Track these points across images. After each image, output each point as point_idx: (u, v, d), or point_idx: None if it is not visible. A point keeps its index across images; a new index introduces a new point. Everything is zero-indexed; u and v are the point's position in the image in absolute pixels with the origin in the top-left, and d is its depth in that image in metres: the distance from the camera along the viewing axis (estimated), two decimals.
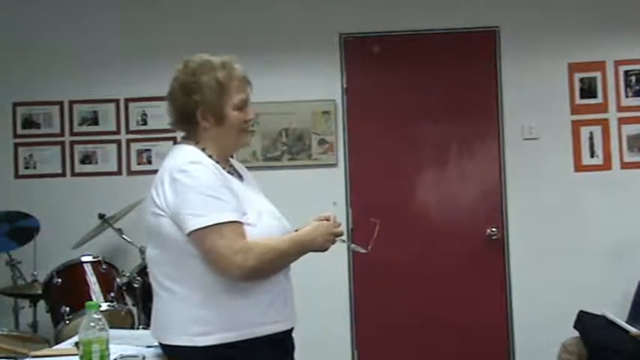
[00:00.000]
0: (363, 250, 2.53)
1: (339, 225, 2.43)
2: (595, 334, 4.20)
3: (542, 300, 4.88)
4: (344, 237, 2.45)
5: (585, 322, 4.29)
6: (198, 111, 2.34)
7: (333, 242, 2.41)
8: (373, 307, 5.00)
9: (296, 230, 2.42)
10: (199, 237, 2.19)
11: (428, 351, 4.97)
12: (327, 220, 2.41)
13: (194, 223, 2.18)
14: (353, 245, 2.55)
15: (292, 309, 2.41)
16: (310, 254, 2.38)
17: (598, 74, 5.01)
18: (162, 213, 2.25)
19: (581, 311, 4.35)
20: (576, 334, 4.30)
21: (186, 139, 2.41)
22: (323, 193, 4.88)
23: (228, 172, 2.39)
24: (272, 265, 2.28)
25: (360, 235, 4.77)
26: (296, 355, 2.48)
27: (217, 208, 2.20)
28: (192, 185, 2.21)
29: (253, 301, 2.26)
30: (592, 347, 4.17)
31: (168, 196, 2.23)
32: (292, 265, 2.42)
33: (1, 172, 5.14)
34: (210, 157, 2.34)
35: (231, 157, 2.56)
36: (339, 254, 4.88)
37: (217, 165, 2.33)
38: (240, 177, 2.47)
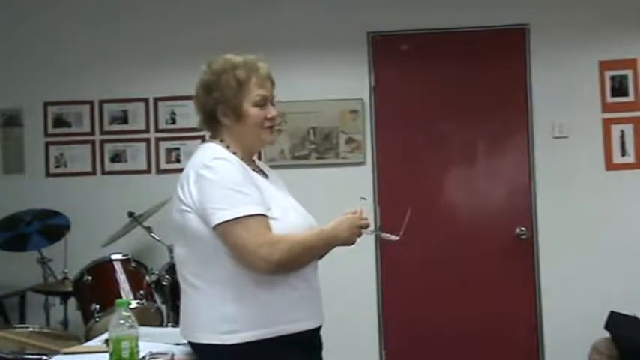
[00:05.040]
0: (395, 237, 2.47)
1: (366, 218, 2.41)
2: (626, 335, 4.15)
3: (572, 300, 4.83)
4: (372, 228, 2.43)
5: (616, 322, 4.24)
6: (219, 108, 2.37)
7: (359, 235, 2.40)
8: (401, 306, 4.98)
9: None
10: (224, 231, 2.20)
11: (456, 349, 4.94)
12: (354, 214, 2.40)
13: (219, 217, 2.20)
14: (383, 234, 2.52)
15: (320, 307, 2.42)
16: (339, 254, 2.38)
17: (629, 72, 4.94)
18: (188, 209, 2.26)
19: (612, 311, 4.30)
20: (607, 334, 4.25)
21: (212, 138, 2.44)
22: (351, 191, 4.85)
23: (253, 170, 2.40)
24: (298, 258, 2.28)
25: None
26: (324, 354, 2.48)
27: (242, 202, 2.21)
28: (216, 180, 2.23)
29: (282, 298, 2.27)
30: (623, 348, 4.12)
31: (193, 192, 2.25)
32: (320, 266, 2.43)
33: (33, 171, 5.21)
34: (234, 154, 2.35)
35: (259, 158, 2.56)
36: (366, 252, 4.87)
37: (242, 162, 2.34)
38: (265, 176, 2.48)
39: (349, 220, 2.37)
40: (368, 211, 2.46)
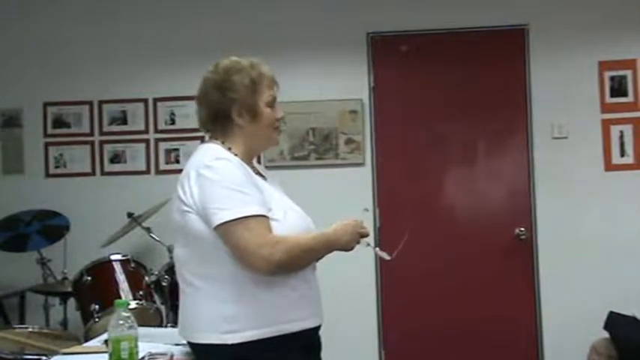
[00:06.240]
0: (387, 257, 2.50)
1: (366, 227, 2.43)
2: (625, 335, 4.15)
3: (571, 300, 4.84)
4: (369, 240, 2.44)
5: (615, 322, 4.24)
6: (234, 108, 2.36)
7: (358, 242, 2.40)
8: (400, 307, 4.98)
9: None
10: (226, 230, 2.20)
11: (456, 351, 4.94)
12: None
13: (220, 217, 2.19)
14: (377, 250, 2.53)
15: (319, 307, 2.42)
16: (337, 256, 2.38)
17: (629, 72, 4.94)
18: (189, 209, 2.26)
19: (612, 312, 4.30)
20: (606, 334, 4.25)
21: (214, 139, 2.43)
22: (350, 192, 4.88)
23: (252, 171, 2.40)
24: (298, 260, 2.29)
25: (387, 234, 4.77)
26: (323, 354, 2.47)
27: (243, 202, 2.21)
28: (217, 180, 2.23)
29: (282, 297, 2.27)
30: (622, 348, 4.12)
31: (194, 192, 2.25)
32: (319, 267, 2.43)
33: (33, 171, 5.21)
34: (235, 155, 2.35)
35: (258, 160, 2.57)
36: (365, 255, 4.86)
37: (243, 162, 2.34)
38: (263, 178, 2.48)
39: (350, 225, 2.38)
40: (368, 222, 2.45)
